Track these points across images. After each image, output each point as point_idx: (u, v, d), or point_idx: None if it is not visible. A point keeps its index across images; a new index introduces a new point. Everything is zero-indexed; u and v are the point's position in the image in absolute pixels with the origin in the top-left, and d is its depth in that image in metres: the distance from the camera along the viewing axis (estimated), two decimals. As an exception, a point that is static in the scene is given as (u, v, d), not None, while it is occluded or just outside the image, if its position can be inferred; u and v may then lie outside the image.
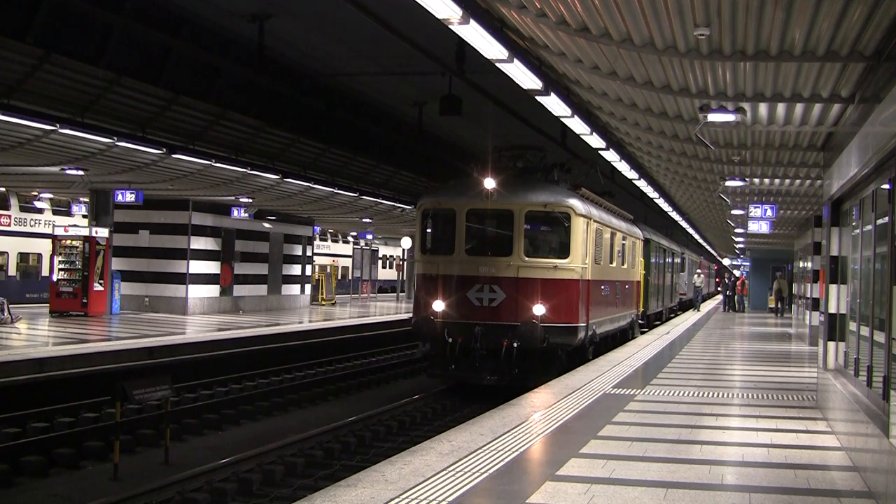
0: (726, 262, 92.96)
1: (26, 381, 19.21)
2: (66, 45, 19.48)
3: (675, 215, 41.61)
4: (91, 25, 20.42)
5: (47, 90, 19.80)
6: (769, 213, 24.98)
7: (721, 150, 17.26)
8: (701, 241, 64.69)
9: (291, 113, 28.21)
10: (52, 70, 19.21)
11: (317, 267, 53.38)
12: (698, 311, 53.49)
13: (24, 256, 44.49)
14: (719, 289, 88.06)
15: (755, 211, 25.02)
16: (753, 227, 26.68)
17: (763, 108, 13.31)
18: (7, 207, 43.04)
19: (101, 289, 32.77)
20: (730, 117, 13.28)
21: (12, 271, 43.69)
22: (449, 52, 19.47)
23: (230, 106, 24.98)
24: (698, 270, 63.77)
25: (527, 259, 20.93)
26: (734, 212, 28.17)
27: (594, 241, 22.49)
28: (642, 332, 33.28)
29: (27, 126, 20.09)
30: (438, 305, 20.97)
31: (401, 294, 66.66)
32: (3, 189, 40.30)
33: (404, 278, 65.87)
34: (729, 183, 20.57)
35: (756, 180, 21.26)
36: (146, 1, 20.86)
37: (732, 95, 12.56)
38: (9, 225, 43.02)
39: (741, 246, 55.88)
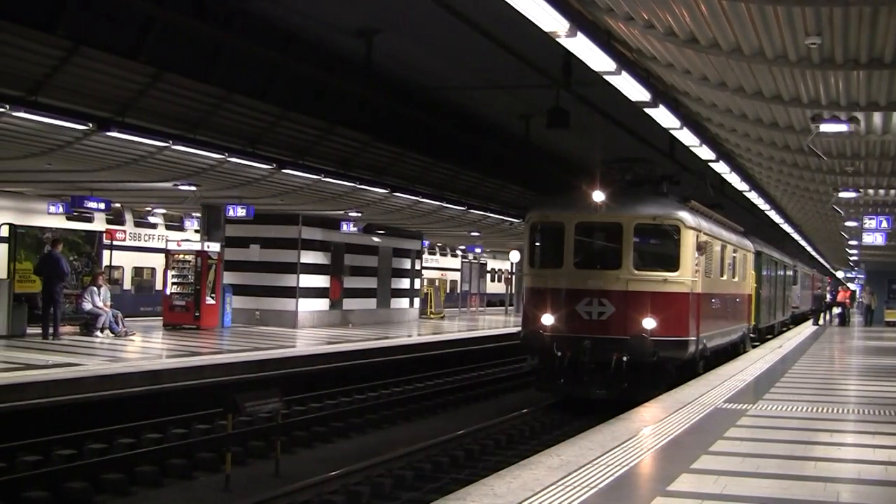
0: (840, 274, 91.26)
1: (140, 393, 19.62)
2: (177, 64, 19.88)
3: (786, 227, 40.98)
4: (202, 44, 20.81)
5: (160, 108, 20.19)
6: (884, 224, 24.45)
7: (833, 160, 16.96)
8: (813, 252, 63.58)
9: (398, 127, 28.36)
10: (164, 88, 19.61)
11: (425, 280, 53.58)
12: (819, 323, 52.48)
13: (138, 271, 45.52)
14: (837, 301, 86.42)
15: (869, 223, 24.51)
16: (868, 238, 26.14)
17: (877, 118, 13.04)
18: (122, 223, 44.08)
19: (213, 302, 33.27)
20: (842, 127, 13.04)
21: (127, 285, 44.70)
22: (556, 64, 19.41)
23: (338, 121, 25.21)
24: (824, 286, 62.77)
25: (636, 272, 20.75)
26: (847, 223, 27.64)
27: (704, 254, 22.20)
28: (754, 346, 32.75)
29: (141, 143, 20.58)
30: (547, 319, 20.90)
31: (509, 307, 66.57)
32: (118, 205, 41.22)
33: (513, 292, 65.75)
34: (842, 194, 20.19)
35: (870, 191, 20.84)
36: (255, 18, 21.18)
37: (845, 105, 12.33)
38: (124, 240, 44.02)
39: (855, 258, 54.75)
